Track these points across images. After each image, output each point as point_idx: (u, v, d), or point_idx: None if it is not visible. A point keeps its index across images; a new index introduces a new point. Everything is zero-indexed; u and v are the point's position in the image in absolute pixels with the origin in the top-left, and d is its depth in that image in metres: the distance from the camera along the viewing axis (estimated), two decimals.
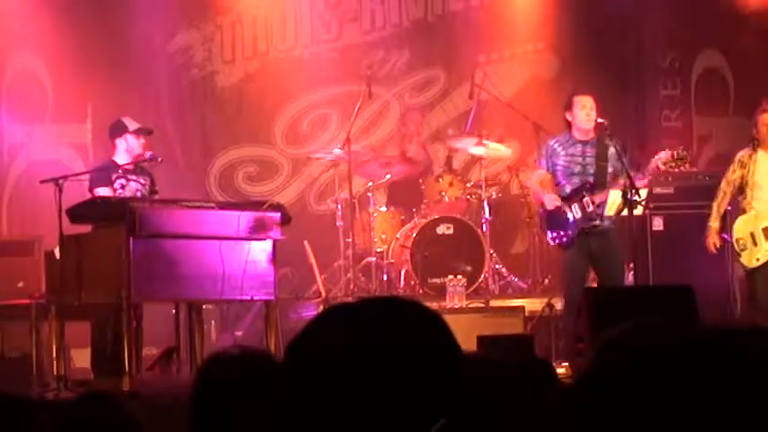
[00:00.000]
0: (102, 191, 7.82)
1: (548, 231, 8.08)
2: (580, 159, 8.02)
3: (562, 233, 7.97)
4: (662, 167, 8.02)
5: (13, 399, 2.56)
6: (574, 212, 7.95)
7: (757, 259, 8.30)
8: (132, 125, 8.08)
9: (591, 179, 7.98)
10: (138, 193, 7.94)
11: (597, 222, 7.93)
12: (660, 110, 11.12)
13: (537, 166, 8.37)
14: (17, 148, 10.37)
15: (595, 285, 8.33)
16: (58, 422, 2.71)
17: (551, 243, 8.14)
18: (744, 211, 8.43)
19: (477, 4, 11.25)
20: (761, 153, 8.37)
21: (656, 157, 7.97)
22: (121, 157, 8.07)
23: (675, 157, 7.97)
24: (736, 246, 8.39)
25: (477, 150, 9.77)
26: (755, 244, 8.32)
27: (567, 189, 8.02)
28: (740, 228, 8.40)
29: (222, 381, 2.63)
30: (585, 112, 7.94)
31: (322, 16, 11.16)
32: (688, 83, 11.31)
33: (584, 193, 7.94)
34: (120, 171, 8.02)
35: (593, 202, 7.89)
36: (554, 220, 8.02)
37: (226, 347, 2.78)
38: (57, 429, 2.77)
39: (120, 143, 8.08)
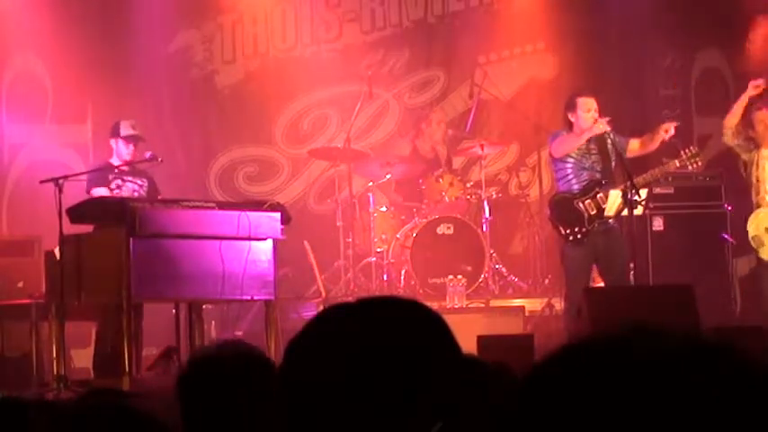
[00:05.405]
0: (99, 191, 7.81)
1: (560, 227, 7.98)
2: (587, 155, 8.02)
3: (576, 229, 7.90)
4: (677, 165, 8.07)
5: (7, 400, 2.56)
6: (588, 209, 7.91)
7: None
8: (125, 131, 8.04)
9: (599, 175, 7.98)
10: (135, 194, 7.94)
11: (610, 221, 7.92)
12: (660, 110, 11.10)
13: (551, 145, 8.23)
14: (17, 148, 10.36)
15: (596, 285, 8.34)
16: (62, 421, 2.72)
17: (568, 239, 7.90)
18: (758, 206, 8.53)
19: (477, 3, 11.25)
20: (764, 151, 8.49)
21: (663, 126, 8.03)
22: (116, 159, 8.07)
23: (689, 154, 8.01)
24: (752, 243, 8.48)
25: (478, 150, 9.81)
26: None
27: (576, 187, 7.99)
28: (753, 225, 8.48)
29: (203, 381, 2.64)
30: (590, 115, 7.94)
31: (322, 16, 11.15)
32: (688, 83, 11.29)
33: (597, 189, 7.92)
34: (116, 172, 8.01)
35: (606, 199, 7.86)
36: (565, 215, 7.93)
37: (204, 347, 2.79)
38: (59, 428, 2.77)
39: (113, 145, 8.10)
